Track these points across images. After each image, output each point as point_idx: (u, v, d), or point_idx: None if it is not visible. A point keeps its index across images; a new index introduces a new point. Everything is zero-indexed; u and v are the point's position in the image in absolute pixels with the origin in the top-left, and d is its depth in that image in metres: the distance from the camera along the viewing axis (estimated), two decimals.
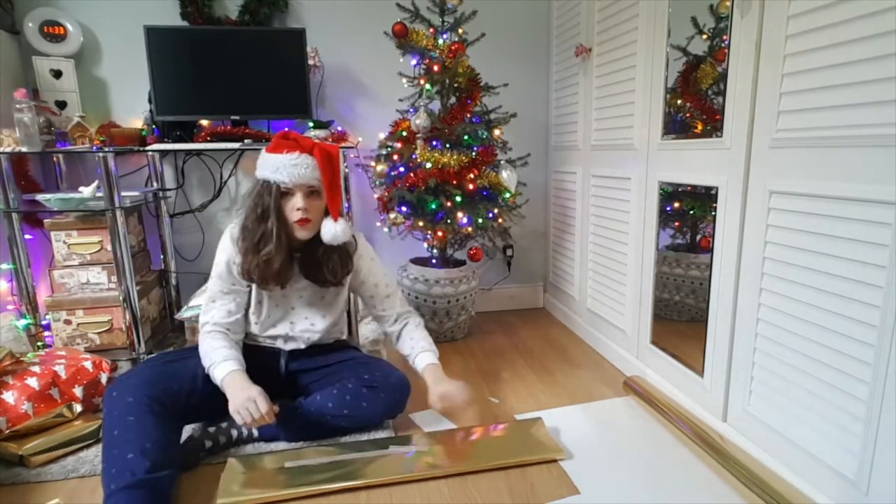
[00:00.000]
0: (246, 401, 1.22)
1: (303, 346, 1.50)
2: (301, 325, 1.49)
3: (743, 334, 1.30)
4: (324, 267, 1.41)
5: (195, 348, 1.38)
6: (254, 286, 1.41)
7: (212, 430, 1.33)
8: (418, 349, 1.51)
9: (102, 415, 1.18)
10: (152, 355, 1.79)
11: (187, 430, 1.33)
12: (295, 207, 1.31)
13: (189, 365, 1.35)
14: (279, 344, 1.49)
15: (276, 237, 1.31)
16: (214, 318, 1.38)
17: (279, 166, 1.29)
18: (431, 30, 1.97)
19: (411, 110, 2.03)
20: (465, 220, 1.93)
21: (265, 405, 1.23)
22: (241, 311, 1.42)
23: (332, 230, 1.34)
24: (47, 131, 1.85)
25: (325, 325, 1.50)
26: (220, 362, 1.31)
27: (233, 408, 1.23)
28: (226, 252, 1.39)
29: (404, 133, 2.00)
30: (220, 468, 1.26)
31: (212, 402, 1.32)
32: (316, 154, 1.31)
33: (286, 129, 1.39)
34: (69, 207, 1.84)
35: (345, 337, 1.64)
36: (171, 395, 1.24)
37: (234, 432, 1.35)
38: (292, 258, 1.39)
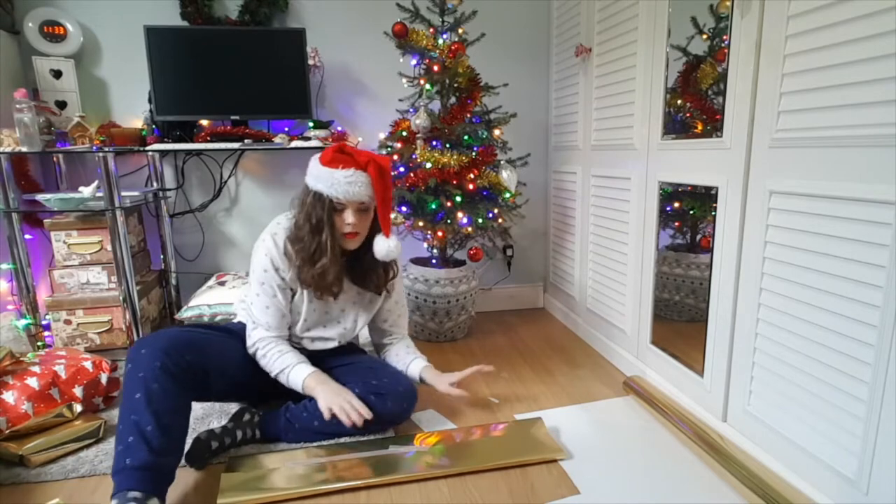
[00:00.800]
0: (344, 401, 1.32)
1: (331, 346, 1.52)
2: (334, 329, 1.50)
3: (743, 334, 1.30)
4: (374, 273, 1.46)
5: (224, 327, 1.42)
6: (299, 291, 1.42)
7: (217, 430, 1.33)
8: (413, 355, 1.58)
9: (125, 369, 1.15)
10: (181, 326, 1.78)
11: (192, 432, 1.33)
12: (345, 222, 1.34)
13: (219, 343, 1.35)
14: (305, 344, 1.49)
15: (331, 250, 1.34)
16: (270, 323, 1.39)
17: (334, 182, 1.29)
18: (431, 30, 1.97)
19: (411, 110, 2.03)
20: (465, 220, 1.93)
21: (363, 406, 1.32)
22: (289, 310, 1.43)
23: (385, 247, 1.37)
24: (47, 131, 1.85)
25: (357, 330, 1.54)
26: (295, 365, 1.37)
27: (327, 404, 1.31)
28: (268, 256, 1.37)
29: (404, 133, 2.00)
30: (222, 468, 1.26)
31: (231, 388, 1.37)
32: (370, 171, 1.32)
33: (340, 142, 1.40)
34: (69, 207, 1.84)
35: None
36: (195, 367, 1.22)
37: (239, 433, 1.35)
38: (344, 268, 1.42)
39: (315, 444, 1.37)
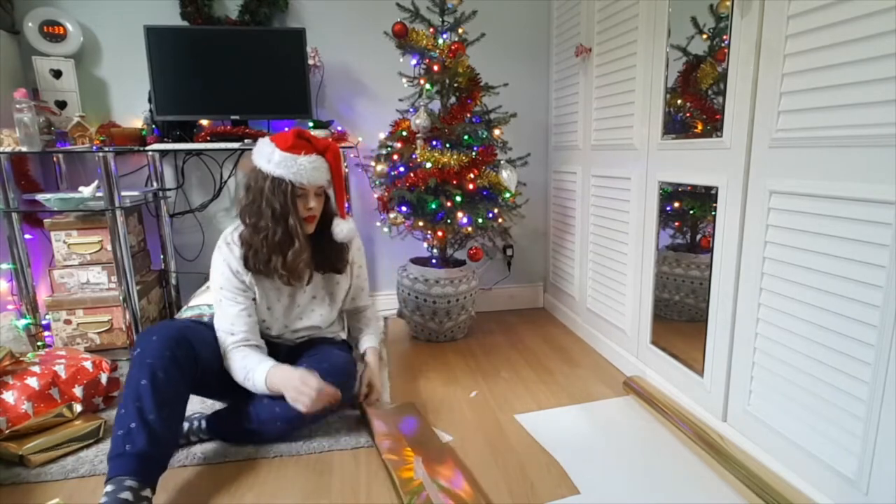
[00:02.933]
0: (301, 384, 1.26)
1: (316, 333, 1.54)
2: (314, 317, 1.51)
3: (743, 334, 1.30)
4: (337, 254, 1.47)
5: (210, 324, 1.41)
6: (258, 291, 1.41)
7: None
8: (367, 331, 1.65)
9: (133, 354, 1.18)
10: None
11: None
12: (306, 207, 1.35)
13: (213, 342, 1.35)
14: (287, 336, 1.51)
15: (302, 234, 1.34)
16: (237, 327, 1.36)
17: (299, 169, 1.29)
18: (431, 30, 1.96)
19: (411, 110, 2.03)
20: (465, 220, 1.93)
21: (329, 386, 1.28)
22: (254, 310, 1.41)
23: (344, 229, 1.41)
24: (47, 131, 1.85)
25: (336, 310, 1.56)
26: (256, 365, 1.32)
27: (292, 396, 1.26)
28: (225, 261, 1.37)
29: (404, 133, 2.00)
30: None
31: (216, 387, 1.36)
32: (329, 158, 1.35)
33: (297, 128, 1.38)
34: (69, 207, 1.84)
35: (343, 337, 1.65)
36: (196, 361, 1.24)
37: (186, 424, 1.36)
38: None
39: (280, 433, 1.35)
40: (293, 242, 1.33)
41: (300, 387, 1.26)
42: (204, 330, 1.35)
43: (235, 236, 1.38)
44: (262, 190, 1.32)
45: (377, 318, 1.75)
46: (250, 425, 1.34)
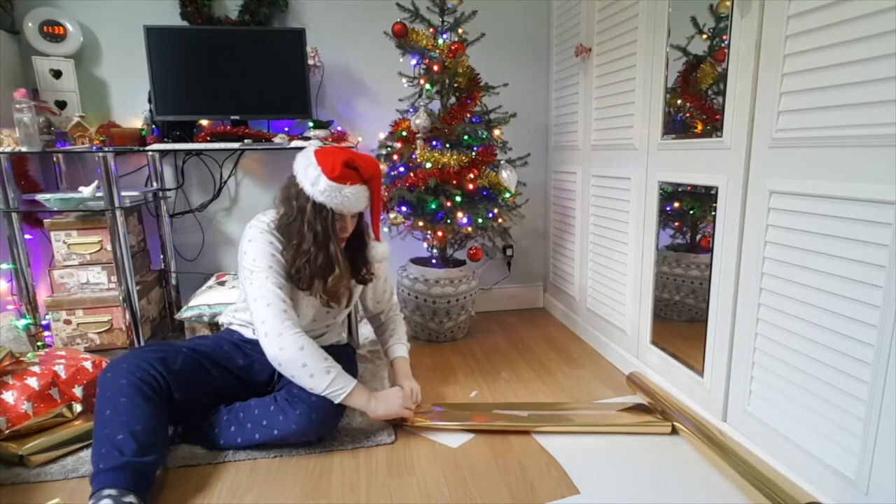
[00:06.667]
0: (399, 399, 1.41)
1: (329, 332, 1.58)
2: (325, 319, 1.53)
3: (743, 334, 1.30)
4: (363, 268, 1.51)
5: (200, 350, 1.38)
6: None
7: None
8: (395, 341, 1.68)
9: (96, 393, 1.21)
10: (148, 343, 1.80)
11: None
12: (347, 231, 1.40)
13: (191, 364, 1.33)
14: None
15: (343, 260, 1.37)
16: (293, 316, 1.32)
17: (343, 199, 1.30)
18: (431, 30, 1.97)
19: (411, 110, 2.03)
20: (465, 220, 1.93)
21: (409, 400, 1.46)
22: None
23: (381, 251, 1.48)
24: (47, 131, 1.85)
25: (343, 316, 1.61)
26: (341, 373, 1.32)
27: (394, 411, 1.40)
28: (272, 244, 1.34)
29: (404, 133, 2.00)
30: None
31: (190, 400, 1.32)
32: (372, 187, 1.36)
33: (345, 152, 1.34)
34: (69, 207, 1.84)
35: (345, 340, 1.65)
36: (161, 381, 1.24)
37: (170, 428, 1.36)
38: None
39: (254, 443, 1.34)
40: (334, 268, 1.35)
41: (405, 402, 1.43)
42: (168, 352, 1.31)
43: (272, 228, 1.37)
44: (304, 210, 1.32)
45: (402, 320, 1.76)
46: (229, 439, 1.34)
